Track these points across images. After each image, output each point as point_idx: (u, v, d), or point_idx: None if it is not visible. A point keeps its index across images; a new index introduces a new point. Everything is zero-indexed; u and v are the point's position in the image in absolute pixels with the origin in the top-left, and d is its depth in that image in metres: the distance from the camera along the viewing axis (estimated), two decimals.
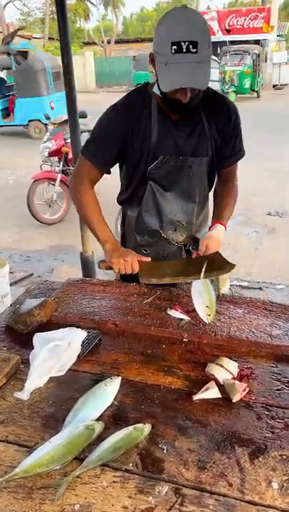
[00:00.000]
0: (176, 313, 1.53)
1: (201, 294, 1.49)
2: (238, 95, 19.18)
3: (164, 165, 1.64)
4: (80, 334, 1.35)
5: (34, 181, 5.63)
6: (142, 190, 1.72)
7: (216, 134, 1.67)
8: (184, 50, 1.36)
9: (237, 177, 1.86)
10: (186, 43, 1.35)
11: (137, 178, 1.72)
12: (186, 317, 1.51)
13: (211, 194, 1.89)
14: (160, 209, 1.73)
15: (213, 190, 1.87)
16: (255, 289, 4.09)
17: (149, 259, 1.68)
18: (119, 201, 1.91)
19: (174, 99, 1.50)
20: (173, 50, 1.37)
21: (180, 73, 1.40)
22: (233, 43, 22.97)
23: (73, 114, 3.03)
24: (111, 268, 1.67)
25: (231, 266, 1.62)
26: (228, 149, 1.73)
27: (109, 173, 1.75)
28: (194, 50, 1.36)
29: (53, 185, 5.71)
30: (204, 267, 1.56)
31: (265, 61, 24.06)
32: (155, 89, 1.60)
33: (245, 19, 25.05)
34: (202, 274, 1.55)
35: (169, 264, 1.74)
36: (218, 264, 1.62)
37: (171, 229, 1.78)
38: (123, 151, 1.68)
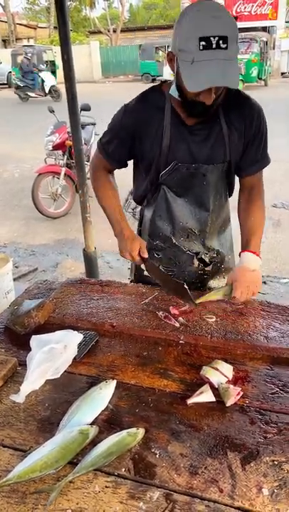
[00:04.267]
0: (166, 318, 1.54)
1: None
2: (245, 84, 18.96)
3: (176, 171, 1.57)
4: (77, 337, 1.36)
5: (39, 175, 5.63)
6: (156, 194, 1.68)
7: (236, 138, 1.56)
8: (214, 46, 1.23)
9: (263, 189, 1.70)
10: (216, 38, 1.22)
11: (150, 181, 1.67)
12: (177, 323, 1.51)
13: (232, 200, 1.80)
14: (172, 215, 1.68)
15: (237, 205, 1.74)
16: None
17: (147, 255, 1.61)
18: (137, 201, 1.85)
19: (195, 102, 1.39)
20: (201, 46, 1.24)
21: (210, 71, 1.26)
22: (240, 30, 22.60)
23: (74, 109, 3.01)
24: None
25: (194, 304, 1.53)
26: (250, 155, 1.60)
27: (125, 166, 1.74)
28: (224, 46, 1.23)
29: (58, 178, 5.71)
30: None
31: (273, 48, 23.70)
32: (172, 92, 1.49)
33: (252, 5, 24.58)
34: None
35: (171, 280, 1.64)
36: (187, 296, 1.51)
37: (183, 236, 1.72)
38: (133, 151, 1.64)
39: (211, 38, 1.23)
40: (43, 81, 18.11)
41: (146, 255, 1.60)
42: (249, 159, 1.62)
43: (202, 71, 1.27)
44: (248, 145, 1.59)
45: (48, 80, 18.28)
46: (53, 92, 18.02)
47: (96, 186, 1.77)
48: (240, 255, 1.59)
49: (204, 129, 1.54)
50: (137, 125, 1.57)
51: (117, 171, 1.81)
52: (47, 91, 18.11)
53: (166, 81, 1.61)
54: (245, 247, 1.59)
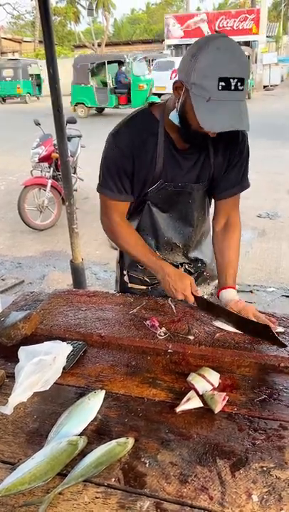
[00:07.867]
0: (153, 327, 1.54)
1: None
2: None
3: (163, 190, 1.58)
4: (66, 348, 1.36)
5: (25, 187, 5.63)
6: (140, 209, 1.68)
7: (220, 160, 1.58)
8: (232, 87, 1.24)
9: (239, 215, 1.73)
10: (235, 80, 1.23)
11: (134, 196, 1.65)
12: (162, 330, 1.51)
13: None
14: (157, 229, 1.69)
15: (212, 232, 1.75)
16: (246, 292, 4.11)
17: (201, 293, 1.61)
18: None
19: (197, 132, 1.38)
20: (220, 87, 1.23)
21: (229, 113, 1.28)
22: None
23: (60, 123, 3.04)
24: None
25: (280, 344, 1.42)
26: (230, 178, 1.62)
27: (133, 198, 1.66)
28: (241, 88, 1.26)
29: (44, 190, 5.72)
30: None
31: (255, 62, 24.24)
32: (173, 118, 1.44)
33: (234, 21, 25.21)
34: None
35: (223, 310, 1.60)
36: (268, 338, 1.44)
37: (167, 249, 1.74)
38: (133, 177, 1.59)
39: (231, 80, 1.24)
40: None
41: (199, 293, 1.60)
42: (229, 182, 1.63)
43: (220, 111, 1.27)
44: (229, 167, 1.61)
45: None
46: None
47: (118, 240, 1.70)
48: (221, 291, 1.64)
49: (195, 153, 1.56)
50: (133, 149, 1.52)
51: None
52: None
53: (154, 103, 1.58)
54: (226, 283, 1.65)
